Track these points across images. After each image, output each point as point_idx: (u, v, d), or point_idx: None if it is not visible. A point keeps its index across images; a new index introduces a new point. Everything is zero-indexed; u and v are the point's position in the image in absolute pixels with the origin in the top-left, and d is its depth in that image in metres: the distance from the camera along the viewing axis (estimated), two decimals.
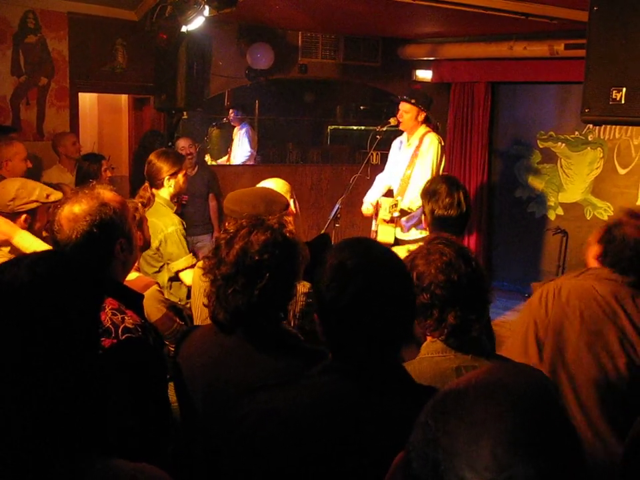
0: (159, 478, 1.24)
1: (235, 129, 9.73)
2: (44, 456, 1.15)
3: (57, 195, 3.37)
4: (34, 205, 3.23)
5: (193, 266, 3.85)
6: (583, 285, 2.93)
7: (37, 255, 1.32)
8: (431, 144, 5.48)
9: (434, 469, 0.82)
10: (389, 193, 5.76)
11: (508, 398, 0.83)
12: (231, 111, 9.72)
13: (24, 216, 3.21)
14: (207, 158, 9.87)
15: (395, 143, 5.88)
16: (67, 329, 1.18)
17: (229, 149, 9.97)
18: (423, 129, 5.64)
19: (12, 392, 1.13)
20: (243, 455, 1.60)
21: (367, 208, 5.63)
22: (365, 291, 1.54)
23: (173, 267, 3.97)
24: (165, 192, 4.15)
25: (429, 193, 3.44)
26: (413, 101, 5.57)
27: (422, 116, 5.59)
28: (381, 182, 5.82)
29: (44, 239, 3.26)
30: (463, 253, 2.15)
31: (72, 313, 1.20)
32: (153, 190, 4.14)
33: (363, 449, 1.49)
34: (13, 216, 3.18)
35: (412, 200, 5.32)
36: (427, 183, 3.64)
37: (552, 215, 7.98)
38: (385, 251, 1.70)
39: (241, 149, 9.48)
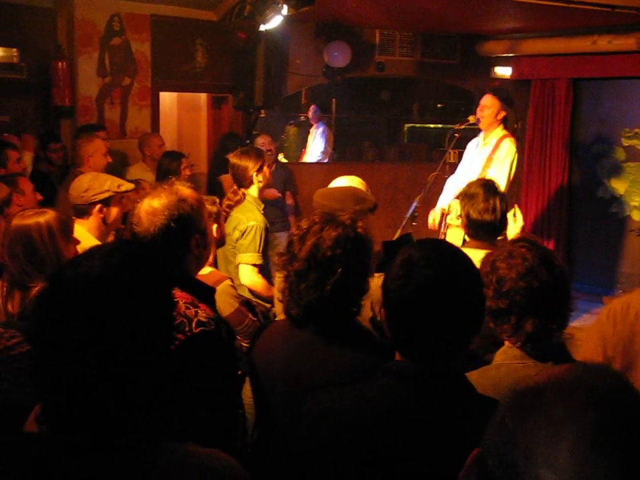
0: (231, 464, 1.26)
1: (312, 128, 9.78)
2: (121, 438, 1.18)
3: (128, 186, 3.57)
4: (106, 195, 3.42)
5: (255, 266, 3.92)
6: None
7: (110, 246, 1.34)
8: (509, 152, 5.41)
9: (510, 467, 0.80)
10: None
11: (589, 396, 0.81)
12: (311, 107, 9.75)
13: (98, 206, 3.40)
14: (280, 157, 9.96)
15: (471, 144, 5.80)
16: (139, 319, 1.19)
17: (303, 149, 10.03)
18: (500, 130, 5.56)
19: (92, 379, 1.16)
20: (304, 454, 1.63)
21: (432, 220, 5.55)
22: (430, 283, 1.54)
23: (238, 258, 3.99)
24: (255, 189, 4.22)
25: (466, 196, 3.40)
26: (495, 95, 5.51)
27: (501, 115, 5.52)
28: (453, 185, 5.69)
29: (119, 232, 3.44)
30: (547, 258, 2.09)
31: (144, 303, 1.21)
32: (243, 190, 4.22)
33: (416, 454, 1.49)
34: (88, 206, 3.38)
35: None
36: (466, 186, 3.58)
37: (636, 216, 7.70)
38: (455, 249, 1.70)
39: (314, 149, 9.53)
